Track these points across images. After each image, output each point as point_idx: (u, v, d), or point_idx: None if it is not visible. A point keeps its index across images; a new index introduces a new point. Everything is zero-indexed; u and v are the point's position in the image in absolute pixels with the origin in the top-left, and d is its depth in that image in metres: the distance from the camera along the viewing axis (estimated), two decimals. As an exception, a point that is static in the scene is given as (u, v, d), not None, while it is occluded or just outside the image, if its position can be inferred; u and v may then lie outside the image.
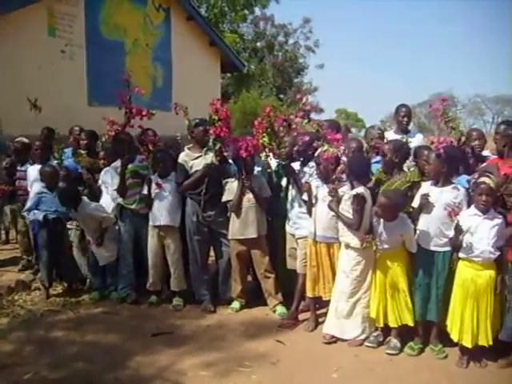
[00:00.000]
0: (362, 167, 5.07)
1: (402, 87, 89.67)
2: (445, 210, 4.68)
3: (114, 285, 6.24)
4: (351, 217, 4.91)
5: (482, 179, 4.50)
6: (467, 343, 4.54)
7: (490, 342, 4.52)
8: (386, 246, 4.83)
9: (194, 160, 5.84)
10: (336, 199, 4.97)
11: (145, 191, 5.95)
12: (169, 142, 6.46)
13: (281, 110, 5.70)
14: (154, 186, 5.90)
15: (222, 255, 6.02)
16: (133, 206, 6.08)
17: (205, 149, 5.79)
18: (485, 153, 5.58)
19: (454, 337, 4.65)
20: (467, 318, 4.55)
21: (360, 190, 4.90)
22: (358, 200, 4.86)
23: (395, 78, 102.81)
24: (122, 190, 6.02)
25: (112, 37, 12.07)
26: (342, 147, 5.12)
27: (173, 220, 5.94)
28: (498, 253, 4.54)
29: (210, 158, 5.72)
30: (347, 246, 5.01)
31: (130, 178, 6.03)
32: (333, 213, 5.05)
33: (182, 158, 5.92)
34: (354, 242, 4.90)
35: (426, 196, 4.73)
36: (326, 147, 5.05)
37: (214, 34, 15.06)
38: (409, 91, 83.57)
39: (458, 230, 4.48)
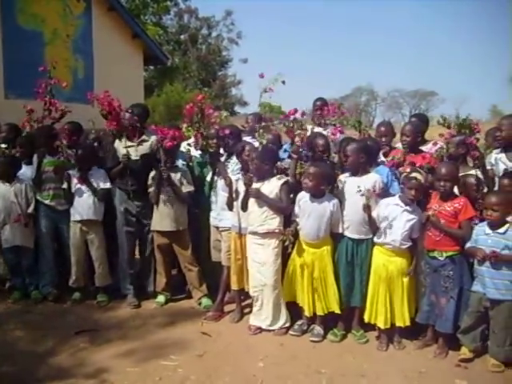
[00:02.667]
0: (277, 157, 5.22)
1: (327, 80, 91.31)
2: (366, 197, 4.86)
3: (34, 283, 6.05)
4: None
5: (414, 174, 4.71)
6: (380, 324, 4.79)
7: (408, 323, 4.78)
8: (318, 231, 4.94)
9: (126, 148, 5.71)
10: (251, 189, 4.99)
11: (64, 186, 5.81)
12: (93, 135, 6.33)
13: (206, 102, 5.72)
14: (75, 180, 5.78)
15: (146, 248, 6.00)
16: (47, 201, 5.94)
17: (139, 139, 5.72)
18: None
19: (366, 318, 4.89)
20: (380, 300, 4.79)
21: (285, 178, 5.06)
22: (288, 186, 5.03)
23: (320, 71, 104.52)
24: (37, 183, 5.92)
25: (29, 26, 11.60)
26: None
27: (95, 214, 5.85)
28: (409, 243, 4.78)
29: (142, 148, 5.69)
30: (266, 236, 5.06)
31: (52, 171, 5.87)
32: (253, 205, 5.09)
33: (116, 144, 5.82)
34: (280, 229, 5.02)
35: (336, 184, 5.00)
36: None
37: (136, 26, 14.79)
38: (333, 85, 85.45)
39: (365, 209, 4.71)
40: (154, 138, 5.80)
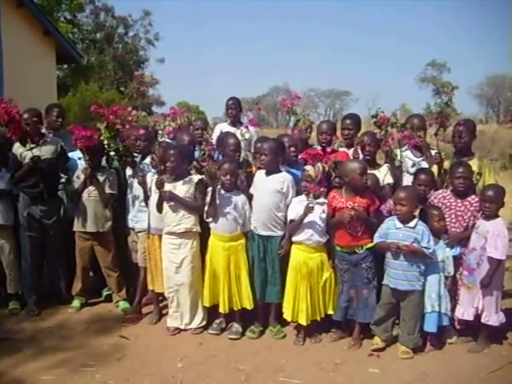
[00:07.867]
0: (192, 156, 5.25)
1: (245, 80, 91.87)
2: (275, 196, 4.99)
3: None
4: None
5: (307, 167, 4.86)
6: (302, 321, 4.88)
7: (322, 315, 4.93)
8: (233, 223, 5.01)
9: (28, 151, 5.51)
10: (163, 192, 4.95)
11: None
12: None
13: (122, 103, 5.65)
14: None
15: (54, 252, 5.82)
16: None
17: (42, 140, 5.55)
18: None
19: (287, 316, 4.97)
20: (301, 298, 4.87)
21: (199, 176, 5.09)
22: (203, 185, 5.06)
23: (238, 71, 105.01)
24: None
25: None
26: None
27: (4, 219, 5.63)
28: (327, 236, 4.92)
29: (45, 149, 5.53)
30: (183, 236, 5.06)
31: None
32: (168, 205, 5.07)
33: (15, 148, 5.58)
34: (197, 227, 5.06)
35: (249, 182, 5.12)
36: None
37: (47, 23, 14.29)
38: (251, 84, 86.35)
39: (307, 210, 4.72)
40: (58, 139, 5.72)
